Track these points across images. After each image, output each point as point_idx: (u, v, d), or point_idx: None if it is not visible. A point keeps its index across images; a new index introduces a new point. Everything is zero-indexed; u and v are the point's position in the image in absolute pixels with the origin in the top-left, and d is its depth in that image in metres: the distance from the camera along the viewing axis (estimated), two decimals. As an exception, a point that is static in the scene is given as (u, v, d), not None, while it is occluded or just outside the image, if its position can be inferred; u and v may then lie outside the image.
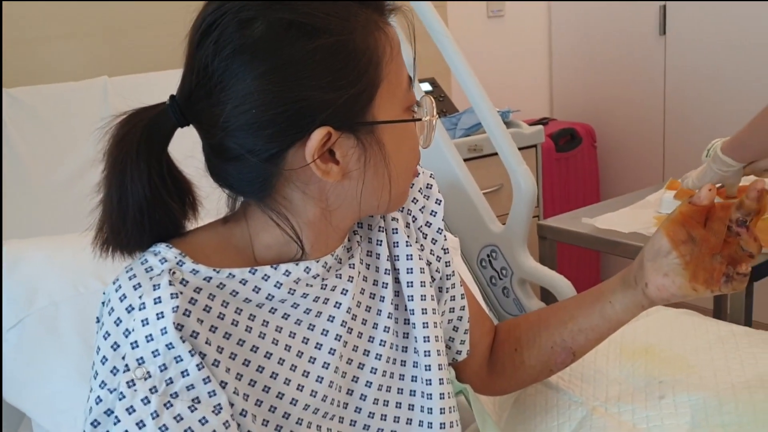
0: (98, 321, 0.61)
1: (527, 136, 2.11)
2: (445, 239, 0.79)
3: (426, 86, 2.24)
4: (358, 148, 0.62)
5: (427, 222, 0.78)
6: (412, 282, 0.73)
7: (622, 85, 2.76)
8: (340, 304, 0.68)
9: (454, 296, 0.79)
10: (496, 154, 1.35)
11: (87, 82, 1.45)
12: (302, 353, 0.66)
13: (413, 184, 0.77)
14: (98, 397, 0.57)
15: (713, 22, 2.40)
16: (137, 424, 0.56)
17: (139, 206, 0.60)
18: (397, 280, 0.74)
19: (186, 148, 0.65)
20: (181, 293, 0.59)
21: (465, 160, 1.51)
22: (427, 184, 0.79)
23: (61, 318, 0.93)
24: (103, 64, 1.59)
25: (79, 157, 1.34)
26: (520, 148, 1.33)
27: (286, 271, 0.64)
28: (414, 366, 0.73)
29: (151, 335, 0.57)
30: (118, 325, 0.58)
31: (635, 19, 2.63)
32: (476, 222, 1.42)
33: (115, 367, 0.57)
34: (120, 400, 0.56)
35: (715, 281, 0.70)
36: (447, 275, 0.79)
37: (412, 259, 0.73)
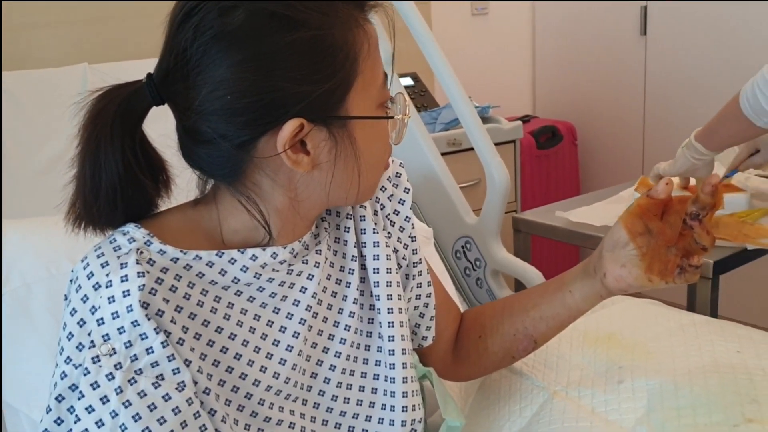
0: (66, 298, 0.62)
1: (506, 131, 2.13)
2: (413, 227, 0.80)
3: (408, 81, 2.25)
4: (329, 141, 0.63)
5: (395, 210, 0.79)
6: (378, 268, 0.74)
7: (603, 83, 2.79)
8: (306, 289, 0.70)
9: (420, 283, 0.81)
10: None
11: (66, 68, 1.45)
12: (266, 336, 0.67)
13: None
14: (63, 372, 0.58)
15: (693, 22, 2.43)
16: (101, 399, 0.57)
17: (112, 182, 0.61)
18: (363, 267, 0.75)
19: (160, 127, 0.65)
20: (148, 272, 0.60)
21: (444, 154, 1.52)
22: (396, 172, 0.80)
23: (34, 299, 0.93)
24: (85, 53, 1.59)
25: (57, 143, 1.33)
26: (499, 144, 1.35)
27: (253, 255, 0.65)
28: (378, 351, 0.75)
29: (117, 312, 0.58)
30: (84, 302, 0.59)
31: (617, 19, 2.67)
32: (451, 214, 1.44)
33: (80, 343, 0.58)
34: (85, 375, 0.57)
35: (670, 272, 0.71)
36: (414, 263, 0.80)
37: (378, 246, 0.74)
